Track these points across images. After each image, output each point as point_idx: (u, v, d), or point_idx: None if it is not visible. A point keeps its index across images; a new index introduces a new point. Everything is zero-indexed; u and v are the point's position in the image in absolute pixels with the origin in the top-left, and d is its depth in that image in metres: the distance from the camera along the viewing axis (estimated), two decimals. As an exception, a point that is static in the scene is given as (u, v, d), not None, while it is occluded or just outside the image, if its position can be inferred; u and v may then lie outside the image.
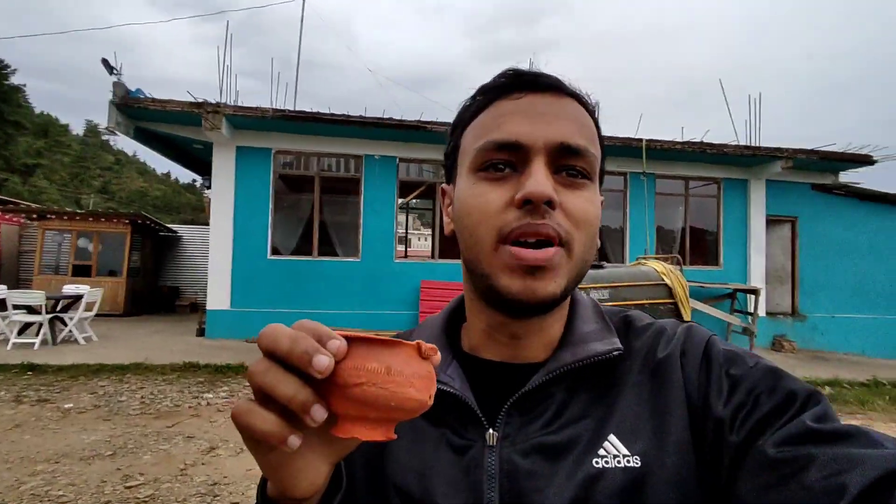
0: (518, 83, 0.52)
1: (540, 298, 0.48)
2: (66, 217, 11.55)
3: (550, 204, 0.47)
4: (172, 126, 8.96)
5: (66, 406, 4.67)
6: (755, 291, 8.85)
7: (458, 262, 0.56)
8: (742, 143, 9.77)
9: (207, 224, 10.16)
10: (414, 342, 0.35)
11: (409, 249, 16.31)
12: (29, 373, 5.80)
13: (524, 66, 0.54)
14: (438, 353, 0.36)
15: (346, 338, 0.33)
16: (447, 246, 9.71)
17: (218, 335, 8.54)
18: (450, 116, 0.60)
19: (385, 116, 8.56)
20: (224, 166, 8.86)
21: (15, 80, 47.64)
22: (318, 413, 0.32)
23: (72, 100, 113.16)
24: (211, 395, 5.29)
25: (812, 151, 9.45)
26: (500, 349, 0.56)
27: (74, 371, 5.94)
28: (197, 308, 12.76)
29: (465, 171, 0.53)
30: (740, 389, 0.46)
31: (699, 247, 10.30)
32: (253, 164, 8.95)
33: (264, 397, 0.33)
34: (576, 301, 0.59)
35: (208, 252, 9.01)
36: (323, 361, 0.31)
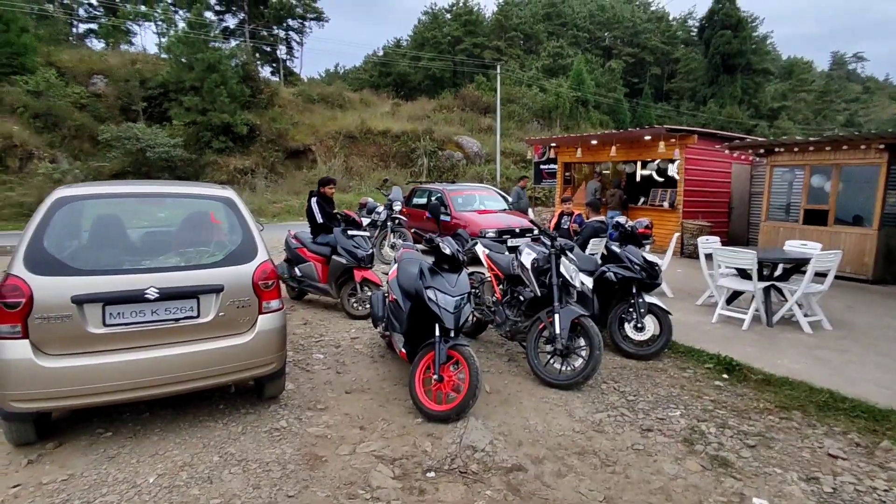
0: None
1: None
2: (796, 149, 9.17)
3: None
4: None
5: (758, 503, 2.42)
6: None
7: None
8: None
9: None
10: None
11: None
12: (724, 377, 3.98)
13: None
14: None
15: None
16: None
17: None
18: None
19: None
20: None
21: (762, 29, 49.45)
22: None
23: (815, 36, 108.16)
24: None
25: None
26: None
27: (786, 394, 3.61)
28: None
29: None
30: None
31: None
32: None
33: None
34: None
35: None
36: None
